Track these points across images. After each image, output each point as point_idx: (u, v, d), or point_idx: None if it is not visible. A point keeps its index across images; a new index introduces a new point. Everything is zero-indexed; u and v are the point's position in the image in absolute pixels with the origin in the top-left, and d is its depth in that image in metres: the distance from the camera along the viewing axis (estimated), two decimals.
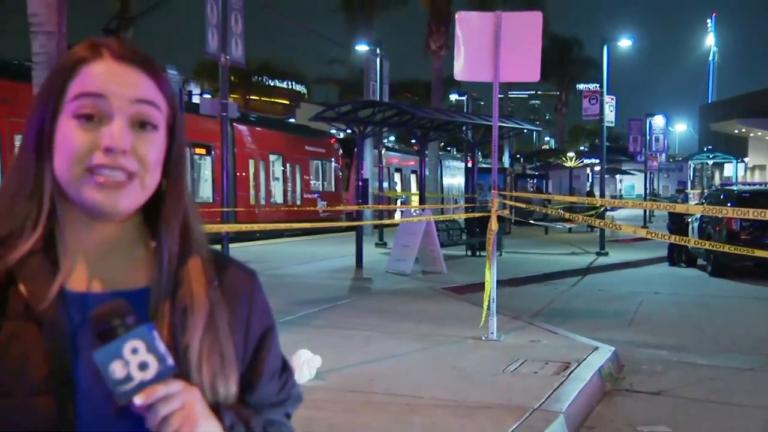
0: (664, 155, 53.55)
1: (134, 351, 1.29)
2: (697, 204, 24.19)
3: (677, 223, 21.39)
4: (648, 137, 43.32)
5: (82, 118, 1.38)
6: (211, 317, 1.47)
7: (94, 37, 1.51)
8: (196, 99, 28.86)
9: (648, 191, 47.18)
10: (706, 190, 45.02)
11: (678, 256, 21.09)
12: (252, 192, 30.11)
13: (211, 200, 25.22)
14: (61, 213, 1.45)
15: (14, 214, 1.42)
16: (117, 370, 1.27)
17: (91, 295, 1.44)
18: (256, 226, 22.21)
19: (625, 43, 32.75)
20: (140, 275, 1.49)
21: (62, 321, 1.39)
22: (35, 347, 1.36)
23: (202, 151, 26.26)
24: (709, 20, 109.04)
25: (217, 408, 1.40)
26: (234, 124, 25.84)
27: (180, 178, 1.50)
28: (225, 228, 11.59)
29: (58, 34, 8.64)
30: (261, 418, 1.52)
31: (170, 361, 1.32)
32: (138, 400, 1.28)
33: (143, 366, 1.29)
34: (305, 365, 7.59)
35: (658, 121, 46.14)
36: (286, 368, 1.64)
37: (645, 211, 40.04)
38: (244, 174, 29.34)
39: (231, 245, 12.52)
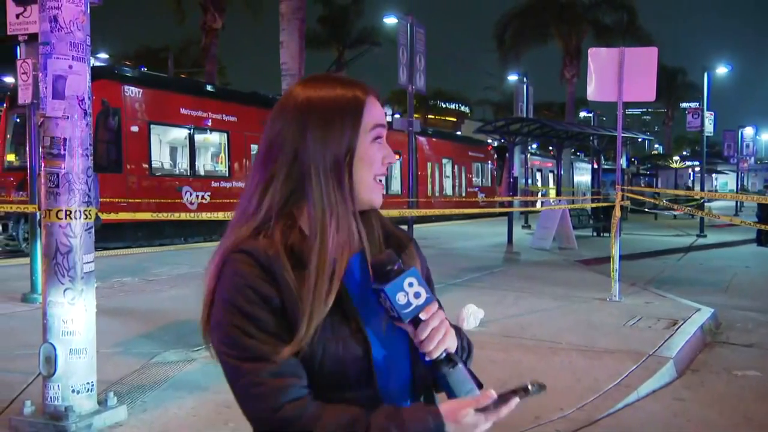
0: (753, 158, 50.36)
1: (410, 285, 1.38)
2: None
3: (765, 212, 20.08)
4: (740, 144, 40.79)
5: (377, 140, 1.50)
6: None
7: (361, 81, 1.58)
8: (388, 118, 29.49)
9: (738, 187, 44.72)
10: None
11: (765, 238, 19.72)
12: (429, 186, 30.30)
13: (399, 193, 25.51)
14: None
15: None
16: (401, 298, 1.37)
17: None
18: (434, 212, 22.35)
19: (721, 70, 30.65)
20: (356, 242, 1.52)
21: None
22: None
23: (395, 156, 26.66)
24: None
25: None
26: (416, 136, 26.04)
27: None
28: (410, 213, 11.75)
29: (299, 75, 9.09)
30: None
31: (430, 292, 1.41)
32: (423, 315, 1.38)
33: (417, 295, 1.38)
34: (471, 316, 7.59)
35: (748, 131, 43.64)
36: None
37: (737, 202, 37.86)
38: (423, 173, 29.53)
39: (415, 225, 12.65)
